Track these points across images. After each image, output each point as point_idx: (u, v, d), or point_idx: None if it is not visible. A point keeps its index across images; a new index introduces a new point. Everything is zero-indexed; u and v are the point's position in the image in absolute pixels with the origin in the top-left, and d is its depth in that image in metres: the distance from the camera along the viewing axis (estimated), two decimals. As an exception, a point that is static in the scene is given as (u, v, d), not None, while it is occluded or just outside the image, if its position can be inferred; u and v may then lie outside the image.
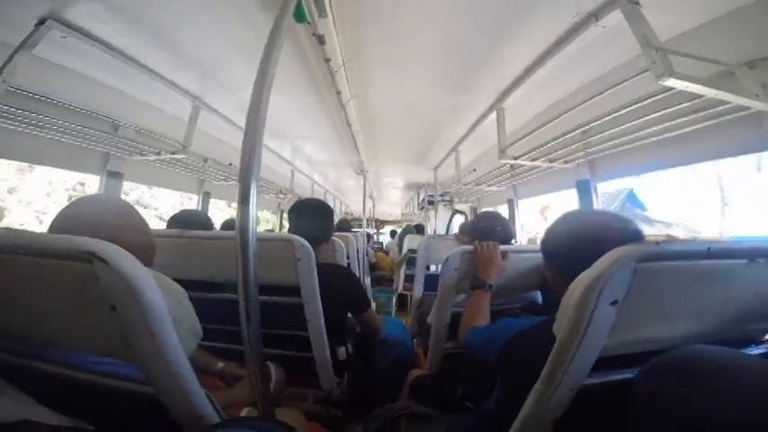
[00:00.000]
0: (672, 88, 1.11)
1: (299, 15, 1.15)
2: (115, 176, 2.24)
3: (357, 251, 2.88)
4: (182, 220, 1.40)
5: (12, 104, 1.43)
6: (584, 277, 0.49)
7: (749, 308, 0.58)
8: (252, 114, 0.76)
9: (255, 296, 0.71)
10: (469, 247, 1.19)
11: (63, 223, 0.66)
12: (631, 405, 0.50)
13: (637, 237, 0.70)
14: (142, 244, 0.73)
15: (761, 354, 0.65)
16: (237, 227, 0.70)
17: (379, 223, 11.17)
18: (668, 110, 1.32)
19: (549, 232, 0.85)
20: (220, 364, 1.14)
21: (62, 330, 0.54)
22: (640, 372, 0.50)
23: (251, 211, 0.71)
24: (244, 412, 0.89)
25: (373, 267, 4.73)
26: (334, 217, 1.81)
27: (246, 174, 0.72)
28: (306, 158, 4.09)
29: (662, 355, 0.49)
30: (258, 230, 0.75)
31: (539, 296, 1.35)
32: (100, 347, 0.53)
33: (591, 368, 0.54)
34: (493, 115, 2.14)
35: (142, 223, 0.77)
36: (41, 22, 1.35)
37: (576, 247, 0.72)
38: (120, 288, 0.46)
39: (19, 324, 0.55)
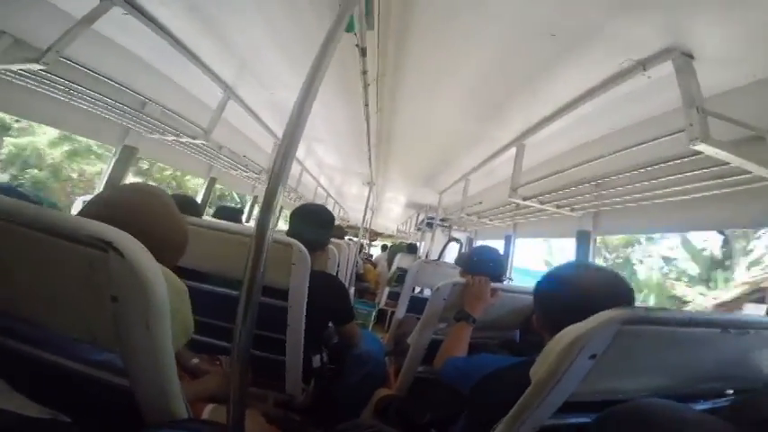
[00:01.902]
0: (700, 152, 1.08)
1: (349, 25, 1.14)
2: (130, 150, 2.30)
3: (348, 260, 2.89)
4: (181, 206, 1.39)
5: (56, 73, 1.49)
6: (572, 331, 0.52)
7: (708, 370, 0.64)
8: (291, 121, 0.76)
9: (257, 299, 0.70)
10: (462, 280, 1.20)
11: (100, 208, 0.63)
12: None
13: (628, 297, 0.75)
14: (178, 242, 0.72)
15: (706, 409, 0.69)
16: (256, 229, 0.70)
17: (373, 235, 11.19)
18: (688, 173, 1.28)
19: (547, 279, 0.88)
20: (195, 360, 1.11)
21: (53, 311, 0.53)
22: (597, 418, 0.54)
23: (273, 216, 0.71)
24: (207, 409, 0.87)
25: (359, 278, 4.73)
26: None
27: (276, 178, 0.71)
28: (316, 160, 4.14)
29: (618, 405, 0.53)
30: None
31: (517, 335, 1.36)
32: (86, 333, 0.52)
33: (555, 411, 0.57)
34: (511, 151, 2.14)
35: (180, 219, 0.75)
36: None
37: (569, 303, 0.76)
38: (129, 281, 0.46)
39: (12, 299, 0.55)
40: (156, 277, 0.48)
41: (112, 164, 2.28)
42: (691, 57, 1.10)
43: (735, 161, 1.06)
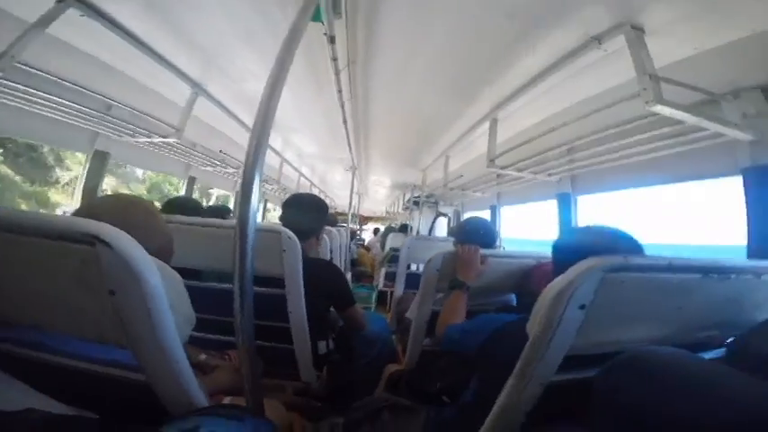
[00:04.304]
0: (658, 113, 1.16)
1: (315, 15, 1.13)
2: (101, 156, 2.22)
3: (340, 246, 2.92)
4: (177, 205, 1.43)
5: (12, 79, 1.42)
6: (557, 282, 0.54)
7: (701, 317, 0.65)
8: (261, 110, 0.76)
9: (251, 288, 0.71)
10: (451, 249, 1.25)
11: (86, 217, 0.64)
12: (591, 400, 0.54)
13: (631, 250, 0.76)
14: (164, 246, 0.73)
15: (712, 358, 0.70)
16: (237, 219, 0.71)
17: (363, 219, 11.21)
18: (651, 132, 1.38)
19: (555, 244, 0.94)
20: (202, 356, 1.12)
21: (55, 313, 0.54)
22: (600, 370, 0.55)
23: (253, 204, 0.71)
24: (227, 401, 0.89)
25: (354, 263, 4.79)
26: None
27: (251, 167, 0.72)
28: (296, 150, 4.07)
29: (619, 355, 0.53)
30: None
31: (513, 299, 1.43)
32: (92, 332, 0.53)
33: (559, 366, 0.59)
34: (486, 125, 2.19)
35: (163, 224, 0.76)
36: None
37: (572, 254, 0.78)
38: (122, 272, 0.46)
39: (12, 307, 0.55)
40: (148, 264, 0.47)
41: (86, 171, 2.22)
42: (641, 30, 1.17)
43: (690, 120, 1.14)
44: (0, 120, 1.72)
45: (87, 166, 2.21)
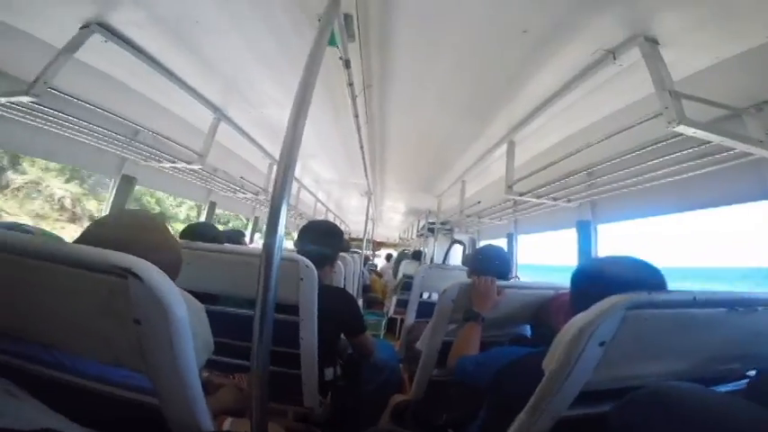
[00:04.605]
0: (680, 133, 1.10)
1: (330, 40, 1.17)
2: (128, 180, 2.33)
3: (353, 273, 2.91)
4: (198, 233, 1.44)
5: (44, 104, 1.50)
6: (578, 320, 0.52)
7: (722, 351, 0.62)
8: (287, 140, 0.78)
9: (272, 315, 0.72)
10: (468, 281, 1.22)
11: (95, 236, 0.66)
12: None
13: (653, 283, 0.73)
14: (172, 262, 0.74)
15: (728, 391, 0.68)
16: (263, 248, 0.72)
17: (376, 245, 11.24)
18: (673, 155, 1.32)
19: (574, 274, 0.90)
20: (205, 374, 1.14)
21: (75, 336, 0.55)
22: (616, 405, 0.53)
23: (279, 234, 0.73)
24: (227, 422, 0.89)
25: (366, 289, 4.75)
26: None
27: (278, 198, 0.73)
28: (313, 176, 4.15)
29: (637, 390, 0.51)
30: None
31: (527, 330, 1.38)
32: (111, 356, 0.54)
33: (572, 401, 0.57)
34: (502, 148, 2.16)
35: (173, 241, 0.78)
36: (86, 26, 1.41)
37: (589, 295, 0.75)
38: (150, 304, 0.47)
39: (30, 326, 0.57)
40: (176, 298, 0.49)
41: (113, 194, 2.32)
42: (656, 42, 1.14)
43: (715, 139, 1.08)
44: (37, 145, 1.84)
45: (114, 189, 2.31)
